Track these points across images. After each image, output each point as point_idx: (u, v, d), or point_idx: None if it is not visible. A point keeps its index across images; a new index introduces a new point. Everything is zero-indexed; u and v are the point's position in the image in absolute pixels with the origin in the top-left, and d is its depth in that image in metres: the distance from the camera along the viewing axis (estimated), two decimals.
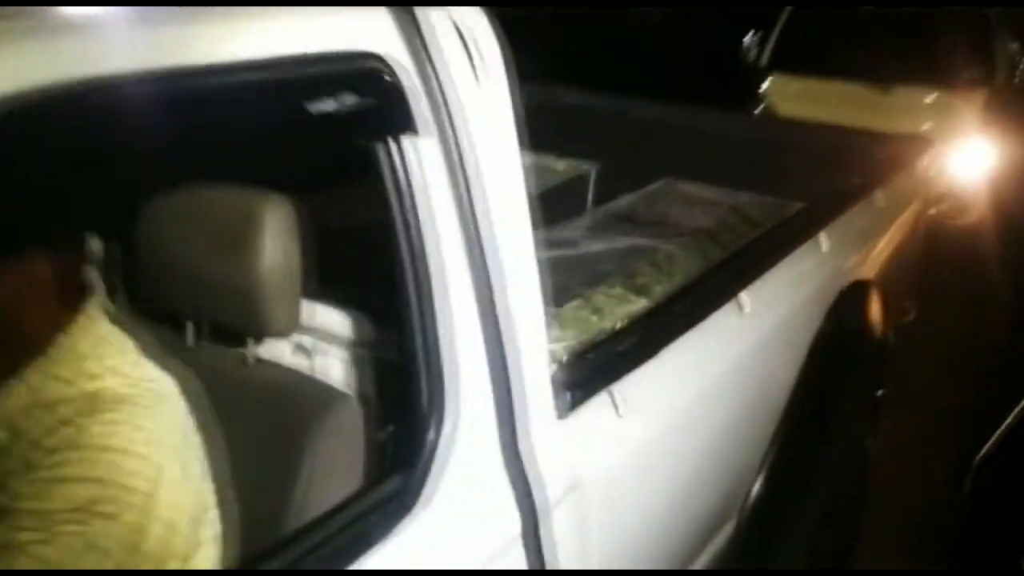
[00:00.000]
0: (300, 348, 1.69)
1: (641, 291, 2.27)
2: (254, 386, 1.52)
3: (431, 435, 1.30)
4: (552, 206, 3.14)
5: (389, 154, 1.26)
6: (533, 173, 3.29)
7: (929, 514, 3.19)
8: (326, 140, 1.29)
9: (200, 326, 1.57)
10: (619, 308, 2.18)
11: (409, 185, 1.27)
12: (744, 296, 2.07)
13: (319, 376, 1.65)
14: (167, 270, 1.50)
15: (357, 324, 1.65)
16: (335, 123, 1.20)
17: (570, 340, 1.98)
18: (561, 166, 3.32)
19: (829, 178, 2.89)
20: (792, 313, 2.29)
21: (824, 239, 2.47)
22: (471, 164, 1.33)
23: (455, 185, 1.32)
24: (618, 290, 2.27)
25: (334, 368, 1.67)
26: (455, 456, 1.31)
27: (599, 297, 2.22)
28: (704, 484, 2.00)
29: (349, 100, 1.18)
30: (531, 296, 1.48)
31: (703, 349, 1.93)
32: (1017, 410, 3.00)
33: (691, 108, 3.87)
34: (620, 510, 1.67)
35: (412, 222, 1.27)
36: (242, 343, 1.55)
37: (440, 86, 1.30)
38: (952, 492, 3.00)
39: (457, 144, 1.32)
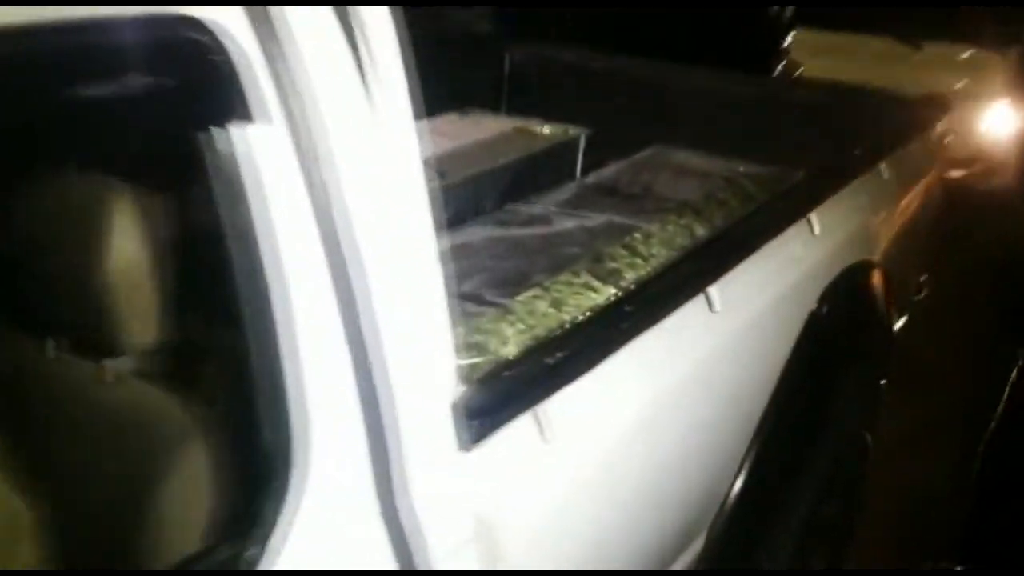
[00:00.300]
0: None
1: (609, 278, 1.99)
2: (108, 409, 1.27)
3: (274, 485, 1.04)
4: (534, 175, 2.86)
5: (213, 144, 0.98)
6: (515, 139, 3.04)
7: (932, 511, 2.89)
8: (138, 122, 1.01)
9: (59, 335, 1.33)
10: (581, 299, 1.90)
11: (239, 182, 0.99)
12: (714, 291, 1.78)
13: (193, 396, 1.39)
14: (9, 269, 1.26)
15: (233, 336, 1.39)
16: (140, 104, 0.94)
17: (522, 336, 1.74)
18: (547, 131, 3.02)
19: (836, 145, 2.58)
20: (773, 307, 1.99)
21: (815, 220, 2.16)
22: (329, 159, 1.05)
23: (310, 182, 1.04)
24: (583, 277, 1.99)
25: (212, 386, 1.41)
26: (307, 511, 1.05)
27: (560, 286, 1.94)
28: (658, 510, 1.71)
29: (147, 79, 0.91)
30: (425, 311, 1.21)
31: (657, 356, 1.65)
32: (1009, 387, 2.70)
33: (697, 68, 3.54)
34: (543, 555, 1.39)
35: (239, 223, 1.00)
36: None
37: (291, 68, 1.02)
38: (957, 486, 2.71)
39: (312, 135, 1.04)
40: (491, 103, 3.37)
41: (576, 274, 2.00)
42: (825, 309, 2.21)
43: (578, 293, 1.94)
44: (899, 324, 2.94)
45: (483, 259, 2.07)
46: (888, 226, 2.71)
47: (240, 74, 0.98)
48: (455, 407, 1.25)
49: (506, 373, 1.37)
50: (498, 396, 1.32)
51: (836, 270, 2.24)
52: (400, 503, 1.14)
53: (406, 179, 1.19)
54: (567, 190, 2.59)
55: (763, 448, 2.05)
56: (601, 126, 3.09)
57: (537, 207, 2.44)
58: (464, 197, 2.65)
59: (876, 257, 2.54)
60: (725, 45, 5.18)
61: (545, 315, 1.84)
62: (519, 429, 1.36)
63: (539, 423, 1.39)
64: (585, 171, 3.03)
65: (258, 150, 1.00)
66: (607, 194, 2.53)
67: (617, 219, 2.31)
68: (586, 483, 1.48)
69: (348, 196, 1.07)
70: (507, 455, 1.34)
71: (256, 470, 1.06)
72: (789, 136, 2.86)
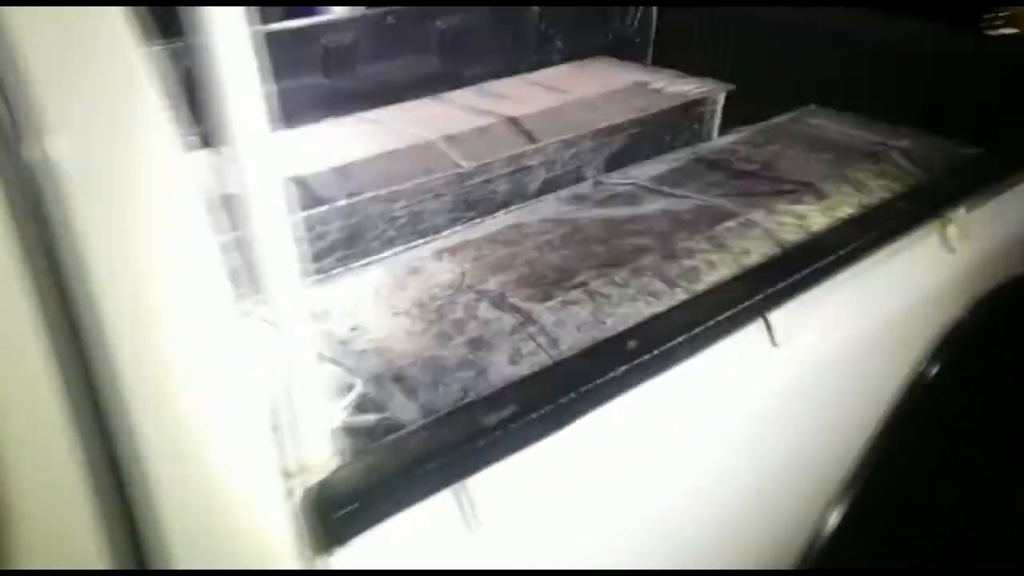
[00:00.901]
0: None
1: (679, 280, 1.55)
2: None
3: None
4: (650, 139, 2.40)
5: None
6: (633, 95, 2.56)
7: None
8: None
9: None
10: (634, 307, 1.48)
11: None
12: (777, 318, 1.30)
13: None
14: None
15: None
16: None
17: (535, 356, 1.36)
18: (674, 87, 2.51)
19: None
20: (865, 342, 1.47)
21: (953, 232, 1.59)
22: (45, 159, 0.70)
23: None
24: (644, 278, 1.55)
25: None
26: None
27: (609, 289, 1.52)
28: None
29: None
30: (241, 347, 0.84)
31: (675, 408, 1.20)
32: None
33: (875, 15, 2.89)
34: None
35: None
36: None
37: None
38: None
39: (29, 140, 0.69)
40: (629, 53, 2.89)
41: (636, 273, 1.57)
42: (962, 331, 1.66)
43: (633, 299, 1.52)
44: None
45: (527, 248, 1.66)
46: None
47: None
48: (313, 492, 0.88)
49: (412, 439, 0.99)
50: (389, 473, 0.94)
51: (981, 286, 1.67)
52: None
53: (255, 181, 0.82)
54: (670, 160, 2.10)
55: (860, 498, 1.56)
56: (757, 83, 2.56)
57: (627, 181, 1.98)
58: (556, 164, 2.24)
59: None
60: None
61: (578, 328, 1.44)
62: (433, 512, 0.99)
63: (462, 505, 1.00)
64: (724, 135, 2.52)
65: None
66: (713, 168, 2.02)
67: (714, 202, 1.82)
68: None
69: (76, 197, 0.71)
70: (410, 551, 0.96)
71: None
72: (981, 106, 2.25)
